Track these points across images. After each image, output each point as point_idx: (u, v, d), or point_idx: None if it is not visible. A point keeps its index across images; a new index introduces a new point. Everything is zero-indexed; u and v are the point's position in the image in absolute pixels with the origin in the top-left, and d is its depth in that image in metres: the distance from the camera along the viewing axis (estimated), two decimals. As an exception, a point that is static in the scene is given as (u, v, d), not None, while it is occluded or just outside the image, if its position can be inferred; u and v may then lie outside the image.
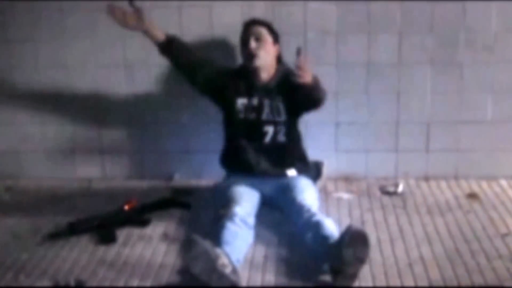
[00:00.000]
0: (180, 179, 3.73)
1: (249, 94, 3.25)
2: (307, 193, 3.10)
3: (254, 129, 3.25)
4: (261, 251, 2.90)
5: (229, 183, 3.25)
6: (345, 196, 3.47)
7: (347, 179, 3.66)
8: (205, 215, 3.24)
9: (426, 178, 3.66)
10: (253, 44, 3.17)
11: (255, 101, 3.24)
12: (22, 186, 3.76)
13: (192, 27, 3.57)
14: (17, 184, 3.78)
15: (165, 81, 3.66)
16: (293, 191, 3.10)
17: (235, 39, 3.35)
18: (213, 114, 3.46)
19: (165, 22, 3.43)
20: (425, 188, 3.56)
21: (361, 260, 2.58)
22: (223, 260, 2.57)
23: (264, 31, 3.21)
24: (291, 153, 3.30)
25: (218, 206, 3.07)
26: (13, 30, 3.67)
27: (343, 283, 2.58)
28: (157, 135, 3.75)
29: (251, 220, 2.98)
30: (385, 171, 3.67)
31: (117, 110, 3.73)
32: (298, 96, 3.07)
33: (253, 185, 3.21)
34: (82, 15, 3.59)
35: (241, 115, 3.25)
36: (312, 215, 2.88)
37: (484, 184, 3.58)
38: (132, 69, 3.66)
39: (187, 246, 2.59)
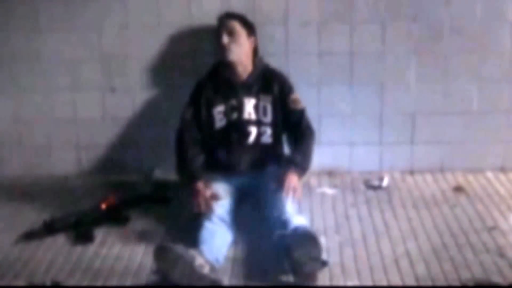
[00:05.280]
0: (160, 174, 3.72)
1: (226, 97, 3.27)
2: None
3: (236, 130, 3.28)
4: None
5: (205, 180, 3.23)
6: (329, 191, 3.51)
7: (331, 173, 3.71)
8: (184, 210, 3.25)
9: (412, 172, 3.72)
10: (225, 39, 3.22)
11: (233, 102, 3.27)
12: (-3, 184, 3.77)
13: (170, 16, 3.58)
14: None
15: (143, 74, 3.68)
16: (269, 185, 3.13)
17: (214, 28, 3.36)
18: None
19: (143, 11, 3.44)
20: (411, 182, 3.62)
21: (315, 259, 2.64)
22: (199, 260, 2.62)
23: (237, 25, 3.25)
24: (274, 154, 3.33)
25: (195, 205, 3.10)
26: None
27: (304, 282, 2.66)
28: (136, 129, 3.77)
29: (229, 217, 3.03)
30: (369, 164, 3.73)
31: (94, 103, 3.73)
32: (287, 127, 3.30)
33: (230, 183, 3.23)
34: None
35: (220, 124, 3.28)
36: (282, 213, 2.93)
37: (471, 177, 3.65)
38: (109, 61, 3.67)
39: (158, 255, 2.65)
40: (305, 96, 3.35)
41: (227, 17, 3.29)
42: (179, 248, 2.63)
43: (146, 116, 3.74)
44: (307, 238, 2.67)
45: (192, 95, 3.34)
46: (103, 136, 3.79)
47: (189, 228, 2.99)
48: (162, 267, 2.65)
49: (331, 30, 3.57)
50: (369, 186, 3.56)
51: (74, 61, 3.67)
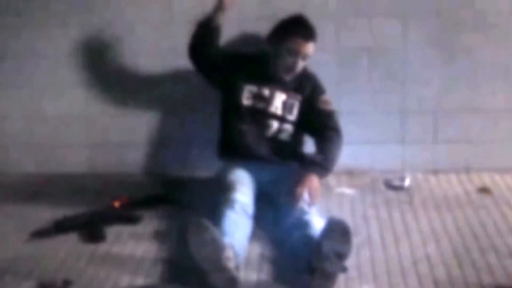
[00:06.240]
0: (174, 173, 3.72)
1: (260, 83, 3.27)
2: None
3: (258, 118, 3.27)
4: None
5: (227, 169, 3.23)
6: (348, 191, 3.46)
7: (351, 173, 3.66)
8: (197, 210, 3.21)
9: (435, 172, 3.65)
10: (300, 64, 3.19)
11: (266, 91, 3.26)
12: (9, 182, 3.76)
13: (184, 11, 3.56)
14: (3, 180, 3.78)
15: (156, 71, 3.66)
16: (287, 185, 3.08)
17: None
18: (207, 106, 3.50)
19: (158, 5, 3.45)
20: (434, 182, 3.56)
21: (341, 255, 2.57)
22: (229, 252, 2.57)
23: (312, 47, 3.19)
24: (292, 152, 3.32)
25: (217, 193, 3.07)
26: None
27: (320, 283, 2.55)
28: (149, 128, 3.75)
29: (251, 209, 3.00)
30: (390, 164, 3.67)
31: (107, 101, 3.73)
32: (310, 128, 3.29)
33: (250, 172, 3.21)
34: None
35: (247, 102, 3.27)
36: (303, 213, 2.89)
37: (497, 177, 3.58)
38: (123, 58, 3.66)
39: (194, 228, 2.59)
40: (323, 93, 3.32)
41: (308, 39, 3.18)
42: (216, 232, 2.59)
43: (159, 113, 3.72)
44: (341, 232, 2.60)
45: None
46: (115, 135, 3.79)
47: (205, 215, 2.88)
48: (192, 242, 2.60)
49: (350, 25, 3.54)
50: (390, 187, 3.50)
51: (87, 58, 3.68)
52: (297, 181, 3.02)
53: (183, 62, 3.42)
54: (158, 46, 3.63)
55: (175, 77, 3.65)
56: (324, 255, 2.53)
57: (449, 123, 3.61)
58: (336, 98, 3.53)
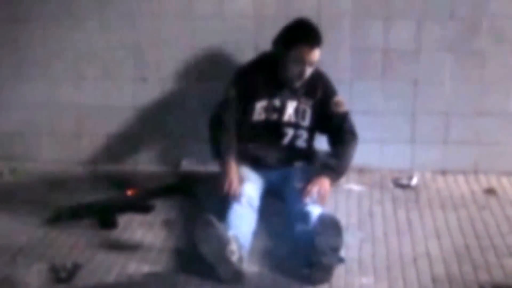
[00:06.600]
0: (188, 166, 3.81)
1: (270, 95, 3.24)
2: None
3: (272, 130, 3.28)
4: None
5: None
6: (356, 187, 3.51)
7: (360, 171, 3.70)
8: (209, 202, 3.28)
9: (443, 172, 3.68)
10: (308, 70, 3.15)
11: (277, 102, 3.24)
12: (27, 169, 3.87)
13: (202, 8, 3.65)
14: (22, 166, 3.89)
15: (174, 65, 3.74)
16: (295, 179, 3.16)
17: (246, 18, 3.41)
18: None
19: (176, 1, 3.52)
20: (441, 182, 3.59)
21: (335, 249, 2.64)
22: (233, 246, 2.66)
23: (317, 52, 3.12)
24: (306, 155, 3.35)
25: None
26: (21, 11, 3.77)
27: (319, 275, 2.65)
28: (165, 121, 3.83)
29: (256, 203, 3.07)
30: (400, 163, 3.71)
31: (125, 94, 3.82)
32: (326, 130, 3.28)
33: (258, 172, 3.28)
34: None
35: (260, 117, 3.25)
36: (304, 205, 2.95)
37: (505, 180, 3.60)
38: (142, 52, 3.75)
39: (201, 224, 2.68)
40: (336, 92, 3.35)
41: (314, 44, 3.10)
42: (221, 228, 2.68)
43: (176, 107, 3.79)
44: (332, 227, 2.67)
45: (237, 77, 3.29)
46: (132, 126, 3.86)
47: (216, 208, 3.00)
48: (198, 237, 2.69)
49: (365, 26, 3.56)
50: (398, 185, 3.54)
51: (106, 50, 3.76)
52: (310, 180, 3.06)
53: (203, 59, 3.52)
54: (178, 39, 3.71)
55: (193, 74, 3.73)
56: (319, 250, 2.63)
57: (459, 124, 3.63)
58: (349, 97, 3.59)
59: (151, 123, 3.85)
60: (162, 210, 3.32)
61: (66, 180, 3.73)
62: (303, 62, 3.11)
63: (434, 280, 2.66)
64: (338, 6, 3.56)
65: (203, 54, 3.68)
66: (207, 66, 3.70)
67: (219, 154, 3.17)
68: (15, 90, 3.89)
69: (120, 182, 3.61)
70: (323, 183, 3.05)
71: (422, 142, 3.68)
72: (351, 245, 2.90)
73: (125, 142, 3.90)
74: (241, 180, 3.10)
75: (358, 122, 3.59)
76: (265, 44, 3.51)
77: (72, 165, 3.89)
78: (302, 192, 3.02)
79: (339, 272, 2.69)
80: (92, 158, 3.93)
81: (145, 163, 3.86)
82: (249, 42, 3.61)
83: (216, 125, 3.23)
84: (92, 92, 3.84)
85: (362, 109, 3.65)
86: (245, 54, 3.55)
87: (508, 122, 3.61)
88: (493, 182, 3.57)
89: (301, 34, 3.12)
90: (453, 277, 2.67)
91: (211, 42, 3.66)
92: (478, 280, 2.64)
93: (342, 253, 2.70)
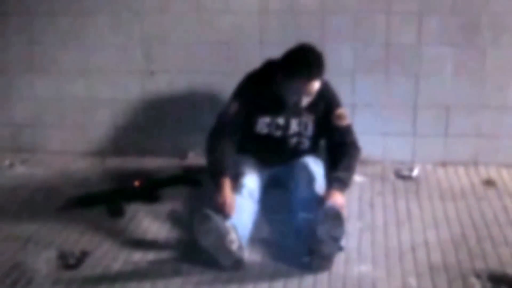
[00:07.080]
0: (194, 157, 3.89)
1: (274, 114, 3.23)
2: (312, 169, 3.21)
3: (277, 143, 3.29)
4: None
5: (239, 158, 3.30)
6: (358, 178, 3.56)
7: (363, 162, 3.69)
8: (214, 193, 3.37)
9: (444, 164, 3.74)
10: (304, 100, 3.12)
11: (281, 120, 3.24)
12: (38, 159, 3.99)
13: (210, 3, 3.72)
14: (33, 157, 4.01)
15: (181, 58, 3.81)
16: (300, 172, 3.22)
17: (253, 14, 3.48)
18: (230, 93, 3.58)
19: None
20: (441, 174, 3.65)
21: (335, 239, 2.71)
22: (232, 236, 2.75)
23: (317, 84, 3.06)
24: (307, 153, 3.38)
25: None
26: (33, 5, 3.86)
27: (319, 263, 2.73)
28: (172, 113, 3.91)
29: (257, 194, 3.14)
30: (402, 155, 3.77)
31: (133, 87, 3.91)
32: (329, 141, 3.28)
33: (261, 166, 3.34)
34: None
35: (263, 131, 3.26)
36: (308, 194, 3.03)
37: (504, 172, 3.65)
38: (150, 46, 3.83)
39: (199, 219, 2.76)
40: (339, 85, 3.35)
41: (310, 78, 3.02)
42: (218, 220, 2.76)
43: (183, 100, 3.87)
44: (334, 217, 2.73)
45: (241, 91, 3.26)
46: (140, 118, 3.96)
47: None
48: (198, 232, 2.77)
49: (367, 20, 3.61)
50: (399, 176, 3.61)
51: (114, 44, 3.84)
52: (324, 196, 3.01)
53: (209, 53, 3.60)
54: (185, 33, 3.78)
55: (200, 67, 3.81)
56: (319, 239, 2.70)
57: (459, 117, 3.69)
58: (352, 90, 3.70)
59: (159, 116, 3.93)
60: (168, 200, 3.40)
61: (75, 171, 3.83)
62: (301, 92, 3.08)
63: (431, 268, 2.72)
64: (342, 1, 3.60)
65: (209, 48, 3.75)
66: (214, 60, 3.77)
67: (214, 176, 3.12)
68: (25, 83, 4.00)
69: (128, 173, 3.69)
70: (337, 199, 2.98)
71: (423, 134, 3.74)
72: (351, 235, 2.97)
73: (132, 134, 3.99)
74: (242, 174, 3.16)
75: (361, 115, 3.70)
76: (270, 38, 3.60)
77: (81, 156, 3.99)
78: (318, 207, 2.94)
79: (338, 260, 2.77)
80: (100, 149, 4.03)
81: (152, 154, 3.94)
82: (255, 37, 3.68)
83: (212, 146, 3.21)
84: (101, 85, 3.93)
85: (365, 102, 3.72)
86: (251, 48, 3.65)
87: (508, 115, 3.66)
88: (493, 174, 3.62)
89: (300, 67, 3.02)
90: (450, 265, 2.74)
91: (217, 37, 3.73)
92: (475, 268, 2.71)
93: (343, 241, 2.78)
